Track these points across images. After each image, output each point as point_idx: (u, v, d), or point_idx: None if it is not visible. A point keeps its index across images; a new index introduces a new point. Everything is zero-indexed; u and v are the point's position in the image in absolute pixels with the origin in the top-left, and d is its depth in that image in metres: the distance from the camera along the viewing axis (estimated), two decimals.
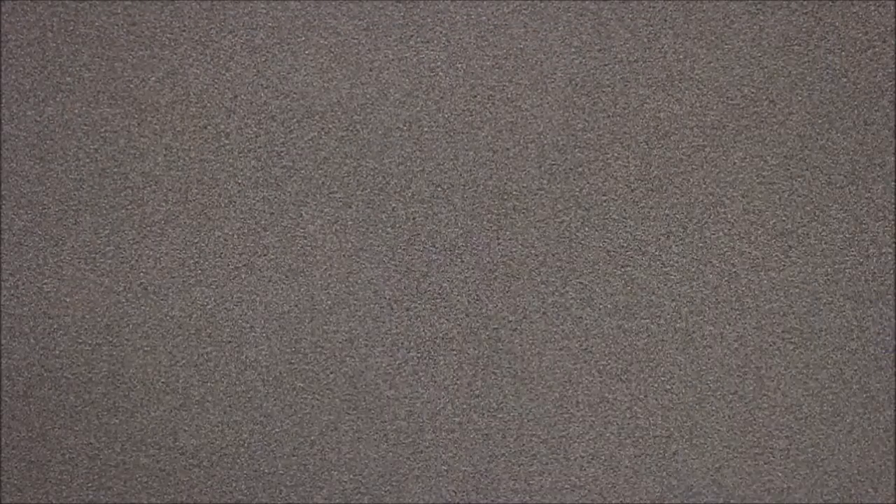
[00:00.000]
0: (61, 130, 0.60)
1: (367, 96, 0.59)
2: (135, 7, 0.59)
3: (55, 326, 0.62)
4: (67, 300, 0.62)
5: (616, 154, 0.59)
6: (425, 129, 0.59)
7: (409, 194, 0.59)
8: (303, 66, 0.59)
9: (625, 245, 0.60)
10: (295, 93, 0.59)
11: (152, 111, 0.59)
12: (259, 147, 0.59)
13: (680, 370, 0.61)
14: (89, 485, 0.64)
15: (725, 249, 0.60)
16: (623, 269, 0.60)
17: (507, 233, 0.60)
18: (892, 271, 0.60)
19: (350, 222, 0.60)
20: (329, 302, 0.60)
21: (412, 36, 0.59)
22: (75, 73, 0.59)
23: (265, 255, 0.60)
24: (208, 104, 0.59)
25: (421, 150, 0.59)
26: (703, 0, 0.59)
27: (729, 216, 0.60)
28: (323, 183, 0.59)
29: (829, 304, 0.60)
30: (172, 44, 0.59)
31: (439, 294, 0.60)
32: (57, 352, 0.62)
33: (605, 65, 0.59)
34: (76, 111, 0.60)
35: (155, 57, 0.59)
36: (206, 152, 0.59)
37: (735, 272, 0.60)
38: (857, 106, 0.59)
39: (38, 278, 0.61)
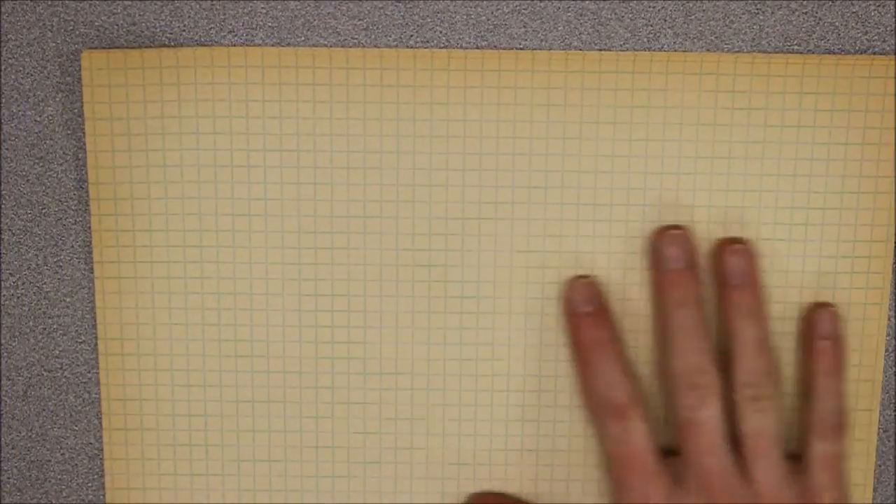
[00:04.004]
0: (61, 130, 0.60)
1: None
2: (135, 7, 0.59)
3: (55, 326, 0.62)
4: (67, 300, 0.62)
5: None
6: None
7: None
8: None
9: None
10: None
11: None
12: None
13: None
14: (89, 485, 0.64)
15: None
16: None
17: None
18: (892, 271, 0.60)
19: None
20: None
21: (412, 36, 0.59)
22: (75, 74, 0.59)
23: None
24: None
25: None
26: (703, 0, 0.59)
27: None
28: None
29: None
30: (172, 44, 0.59)
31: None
32: (57, 352, 0.62)
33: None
34: (76, 111, 0.60)
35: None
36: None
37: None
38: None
39: (38, 278, 0.61)
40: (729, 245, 0.58)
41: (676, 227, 0.58)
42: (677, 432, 0.57)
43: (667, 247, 0.58)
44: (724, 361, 0.59)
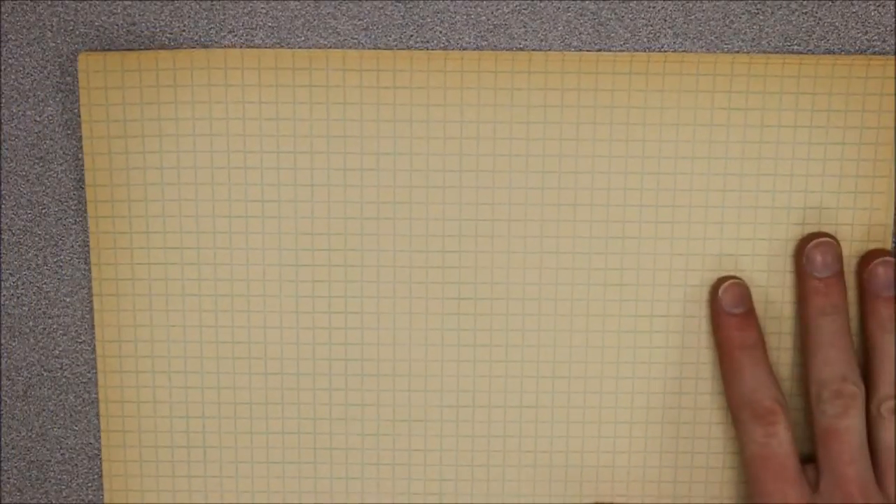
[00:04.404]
0: (61, 131, 0.60)
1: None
2: (135, 7, 0.59)
3: (55, 326, 0.62)
4: (67, 300, 0.62)
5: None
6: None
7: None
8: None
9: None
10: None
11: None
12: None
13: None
14: (89, 485, 0.64)
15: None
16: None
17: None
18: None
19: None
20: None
21: (412, 36, 0.59)
22: (75, 74, 0.59)
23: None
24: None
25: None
26: (703, 0, 0.59)
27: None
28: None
29: None
30: (172, 44, 0.59)
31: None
32: (57, 352, 0.62)
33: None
34: (76, 112, 0.60)
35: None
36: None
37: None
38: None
39: (37, 278, 0.61)
40: (878, 256, 0.58)
41: (825, 234, 0.58)
42: (818, 439, 0.58)
43: (816, 254, 0.58)
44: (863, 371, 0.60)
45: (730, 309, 0.59)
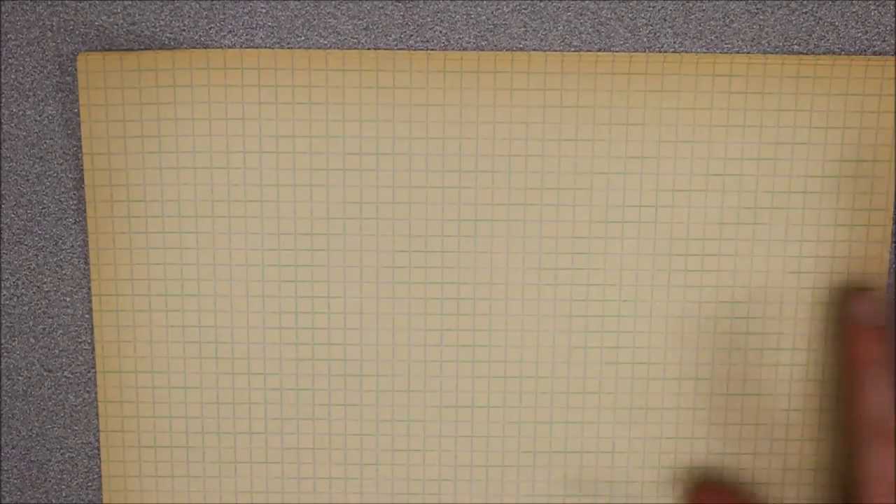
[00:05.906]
0: (61, 130, 0.60)
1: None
2: (134, 7, 0.59)
3: (55, 326, 0.62)
4: (67, 300, 0.62)
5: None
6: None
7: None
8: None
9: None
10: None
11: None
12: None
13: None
14: (89, 485, 0.64)
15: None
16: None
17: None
18: (889, 273, 0.60)
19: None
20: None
21: (412, 36, 0.59)
22: (75, 74, 0.59)
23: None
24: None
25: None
26: (703, 0, 0.58)
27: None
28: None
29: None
30: (172, 44, 0.59)
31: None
32: (57, 352, 0.62)
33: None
34: (76, 111, 0.60)
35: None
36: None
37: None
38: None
39: (37, 278, 0.62)
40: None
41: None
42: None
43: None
44: None
45: (866, 321, 0.57)
